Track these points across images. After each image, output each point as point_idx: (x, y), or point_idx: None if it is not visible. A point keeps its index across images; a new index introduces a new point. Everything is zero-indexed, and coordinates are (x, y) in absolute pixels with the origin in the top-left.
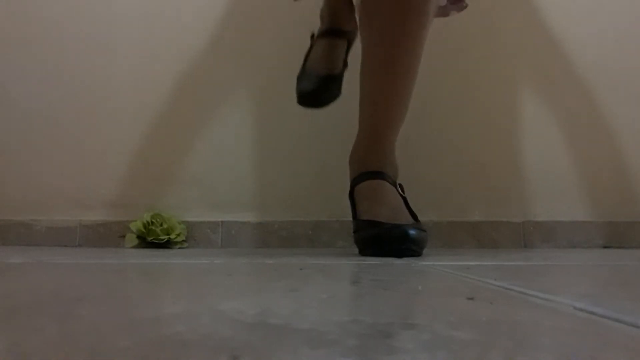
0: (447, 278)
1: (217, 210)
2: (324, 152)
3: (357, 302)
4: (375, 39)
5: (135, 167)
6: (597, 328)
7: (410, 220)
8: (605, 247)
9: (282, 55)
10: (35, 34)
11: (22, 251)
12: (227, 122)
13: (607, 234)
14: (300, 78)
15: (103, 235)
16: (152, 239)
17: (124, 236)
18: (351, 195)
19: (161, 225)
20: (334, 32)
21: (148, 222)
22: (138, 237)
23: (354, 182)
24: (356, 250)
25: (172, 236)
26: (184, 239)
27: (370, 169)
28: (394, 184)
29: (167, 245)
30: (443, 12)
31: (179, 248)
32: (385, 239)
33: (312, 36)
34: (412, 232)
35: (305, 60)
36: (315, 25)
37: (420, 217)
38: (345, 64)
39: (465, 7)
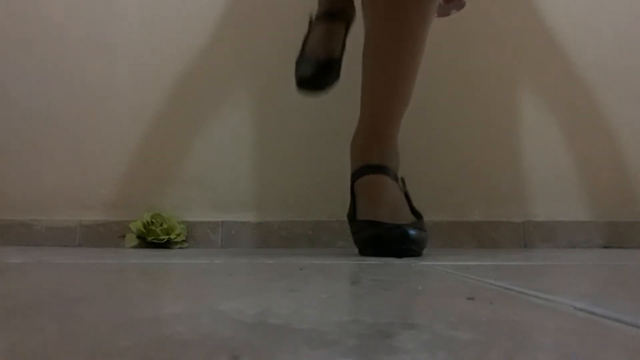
0: (447, 278)
1: (217, 210)
2: (324, 152)
3: (357, 302)
4: (379, 23)
5: (135, 167)
6: (597, 328)
7: (411, 218)
8: (605, 247)
9: (282, 55)
10: (35, 34)
11: (22, 251)
12: (227, 122)
13: (607, 234)
14: (299, 63)
15: (103, 235)
16: (152, 239)
17: (124, 236)
18: (352, 188)
19: (161, 225)
20: (332, 15)
21: (148, 222)
22: (138, 237)
23: (355, 176)
24: (356, 250)
25: (172, 236)
26: (184, 239)
27: (371, 162)
28: (395, 178)
29: (167, 245)
30: (444, 11)
31: (179, 248)
32: (385, 239)
33: (310, 21)
34: (412, 232)
35: (304, 44)
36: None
37: None
38: (344, 47)
39: (464, 5)
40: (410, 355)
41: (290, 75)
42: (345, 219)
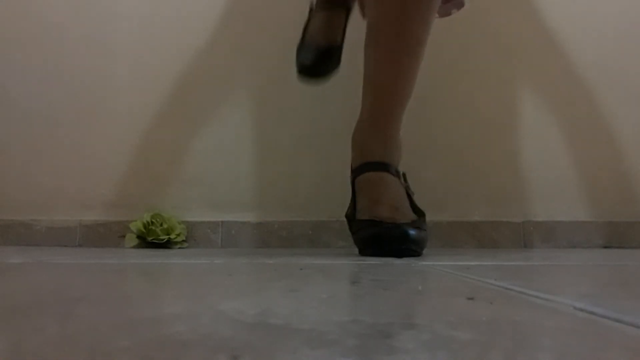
0: (447, 278)
1: (217, 210)
2: (324, 152)
3: (357, 302)
4: (380, 17)
5: (135, 167)
6: (597, 328)
7: (411, 217)
8: (605, 247)
9: (282, 55)
10: (36, 34)
11: (22, 251)
12: (227, 122)
13: (607, 234)
14: (299, 50)
15: (103, 235)
16: (152, 239)
17: (124, 236)
18: (353, 184)
19: (161, 225)
20: (332, 2)
21: (148, 222)
22: (138, 237)
23: (356, 173)
24: (356, 250)
25: (172, 236)
26: (184, 239)
27: (372, 158)
28: (397, 173)
29: (167, 245)
30: (445, 11)
31: (179, 248)
32: (385, 238)
33: (311, 9)
34: (412, 232)
35: (304, 31)
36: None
37: None
38: (344, 35)
39: (463, 4)
40: (410, 355)
41: (290, 75)
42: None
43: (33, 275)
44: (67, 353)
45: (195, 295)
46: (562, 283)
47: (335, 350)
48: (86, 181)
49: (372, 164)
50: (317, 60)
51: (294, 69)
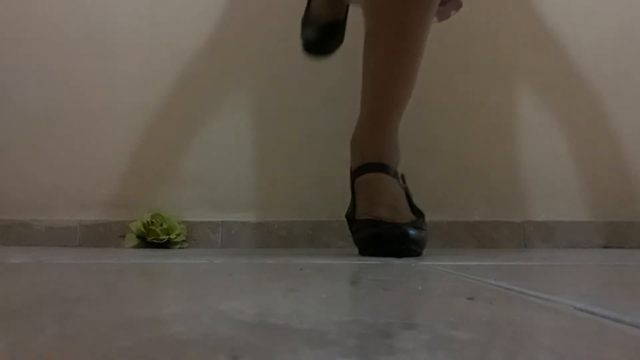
0: (447, 278)
1: (217, 210)
2: (324, 152)
3: (357, 302)
4: (379, 21)
5: (135, 167)
6: (597, 328)
7: (411, 217)
8: (605, 247)
9: (282, 56)
10: (36, 34)
11: (22, 251)
12: (227, 122)
13: (607, 234)
14: (304, 23)
15: (103, 235)
16: (152, 239)
17: (124, 236)
18: (352, 185)
19: (161, 225)
20: None
21: (148, 222)
22: (138, 237)
23: (355, 174)
24: (356, 250)
25: (172, 236)
26: (184, 239)
27: (371, 160)
28: (395, 175)
29: (167, 245)
30: (444, 14)
31: (179, 248)
32: (385, 238)
33: None
34: (412, 232)
35: (308, 6)
36: None
37: None
38: (347, 9)
39: (461, 4)
40: (410, 355)
41: (290, 75)
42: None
43: (33, 275)
44: (67, 353)
45: (195, 295)
46: (562, 283)
47: (335, 350)
48: (86, 181)
49: (371, 165)
50: (322, 36)
51: (294, 69)
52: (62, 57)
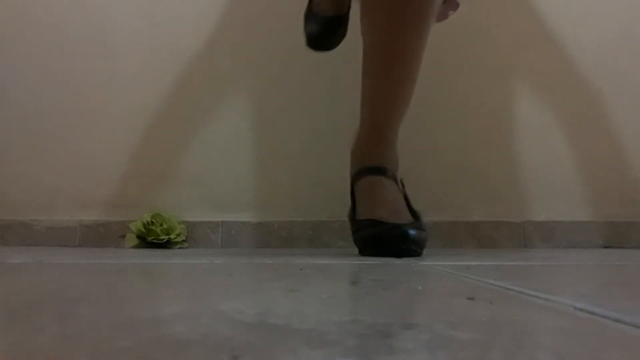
0: (447, 278)
1: (217, 210)
2: (324, 152)
3: (357, 302)
4: (377, 30)
5: (135, 167)
6: (597, 328)
7: (410, 219)
8: (605, 247)
9: (282, 56)
10: (36, 34)
11: (22, 251)
12: (227, 122)
13: (607, 234)
14: (306, 18)
15: (103, 235)
16: (152, 239)
17: (124, 236)
18: (352, 190)
19: (161, 225)
20: None
21: (148, 222)
22: (138, 237)
23: (355, 178)
24: (356, 250)
25: (172, 236)
26: (184, 239)
27: (370, 164)
28: (395, 179)
29: (167, 245)
30: (442, 15)
31: (179, 248)
32: (385, 238)
33: None
34: (412, 232)
35: (311, 1)
36: None
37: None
38: (350, 2)
39: (458, 5)
40: (410, 355)
41: (290, 76)
42: (346, 218)
43: (33, 275)
44: (67, 353)
45: (195, 295)
46: (562, 283)
47: (335, 350)
48: (86, 181)
49: (370, 168)
50: (325, 30)
51: (294, 70)
52: (62, 57)
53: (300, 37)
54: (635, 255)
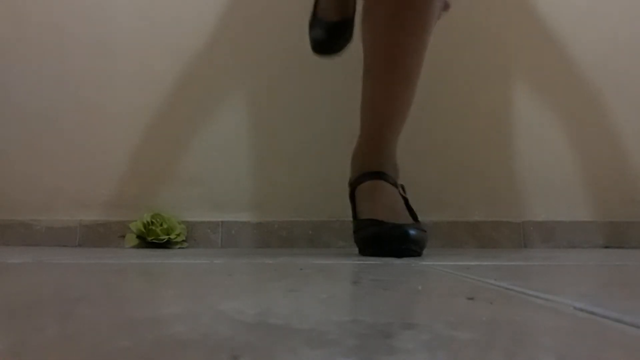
0: (447, 278)
1: (217, 210)
2: (324, 152)
3: (357, 302)
4: (377, 39)
5: (135, 167)
6: (597, 328)
7: (410, 220)
8: (605, 247)
9: (282, 56)
10: (36, 35)
11: (22, 251)
12: (227, 122)
13: (607, 234)
14: (311, 25)
15: (103, 235)
16: (152, 239)
17: (124, 236)
18: (352, 196)
19: (161, 225)
20: None
21: (148, 222)
22: (138, 237)
23: (355, 183)
24: (356, 250)
25: (172, 236)
26: (184, 239)
27: (371, 169)
28: (395, 185)
29: (167, 245)
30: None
31: (179, 248)
32: (386, 238)
33: None
34: (412, 232)
35: (315, 6)
36: None
37: (420, 217)
38: (355, 6)
39: (449, 6)
40: (410, 355)
41: (290, 76)
42: (345, 218)
43: (33, 275)
44: (67, 353)
45: (195, 295)
46: (562, 283)
47: (335, 350)
48: (86, 181)
49: (370, 173)
50: (330, 35)
51: (294, 70)
52: (62, 57)
53: (301, 37)
54: (635, 255)
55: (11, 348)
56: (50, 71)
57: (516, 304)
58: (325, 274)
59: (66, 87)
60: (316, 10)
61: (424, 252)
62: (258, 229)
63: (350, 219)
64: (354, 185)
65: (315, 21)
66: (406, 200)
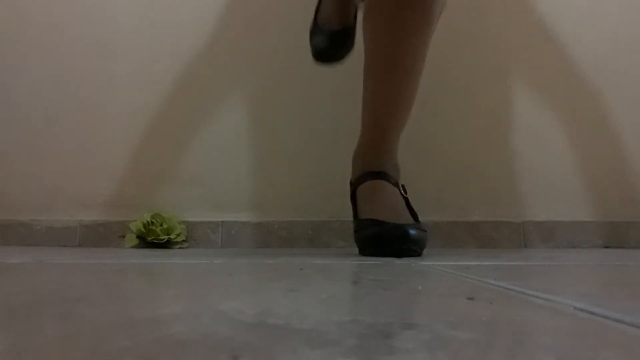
0: (447, 278)
1: (217, 210)
2: (324, 152)
3: (357, 302)
4: (377, 40)
5: (135, 167)
6: (597, 328)
7: (411, 220)
8: (605, 247)
9: (281, 56)
10: (36, 34)
11: (22, 251)
12: (227, 122)
13: (607, 234)
14: (313, 33)
15: (103, 235)
16: (152, 239)
17: (124, 236)
18: (353, 196)
19: (161, 225)
20: None
21: (148, 222)
22: (138, 237)
23: (356, 183)
24: (356, 250)
25: (172, 236)
26: (184, 239)
27: (372, 169)
28: (396, 185)
29: (167, 245)
30: None
31: (179, 248)
32: (386, 238)
33: None
34: (412, 232)
35: (316, 15)
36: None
37: (420, 217)
38: (356, 14)
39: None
40: (410, 355)
41: (290, 76)
42: (345, 218)
43: (33, 275)
44: (67, 353)
45: (195, 295)
46: (562, 283)
47: (335, 350)
48: (86, 181)
49: (371, 173)
50: (332, 44)
51: (293, 69)
52: (62, 57)
53: (301, 38)
54: (635, 255)
55: (11, 348)
56: (50, 71)
57: (516, 304)
58: (325, 274)
59: (66, 87)
60: (317, 18)
61: (424, 252)
62: (258, 229)
63: (351, 219)
64: (355, 185)
65: (316, 29)
66: (407, 200)
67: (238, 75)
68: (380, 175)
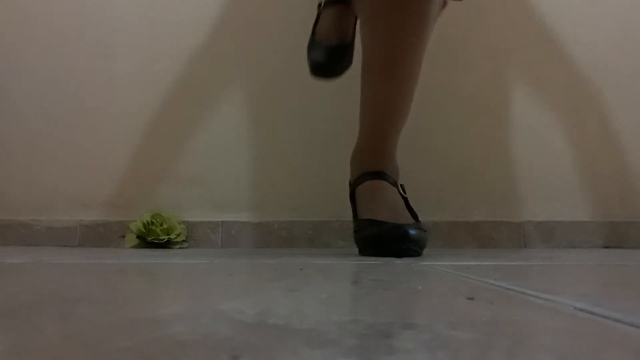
0: (447, 278)
1: (217, 210)
2: (324, 152)
3: (357, 302)
4: (375, 40)
5: (135, 167)
6: (597, 328)
7: (411, 220)
8: (605, 247)
9: (281, 55)
10: (36, 35)
11: (22, 251)
12: (227, 122)
13: (607, 234)
14: (310, 48)
15: (103, 235)
16: (152, 239)
17: (124, 236)
18: (352, 196)
19: (161, 225)
20: (340, 0)
21: (148, 222)
22: (138, 237)
23: (355, 183)
24: (356, 250)
25: (172, 236)
26: (184, 239)
27: (371, 169)
28: (395, 184)
29: (167, 245)
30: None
31: (179, 248)
32: (386, 238)
33: (319, 5)
34: (412, 232)
35: (314, 29)
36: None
37: (420, 217)
38: (354, 30)
39: (446, 3)
40: (410, 355)
41: (290, 76)
42: (345, 218)
43: (33, 275)
44: (67, 353)
45: (195, 295)
46: (562, 283)
47: (335, 350)
48: (86, 181)
49: (370, 173)
50: (330, 59)
51: (293, 69)
52: (61, 57)
53: (301, 38)
54: (635, 255)
55: (11, 348)
56: (50, 71)
57: (516, 304)
58: (325, 274)
59: (66, 87)
60: (315, 33)
61: (424, 252)
62: (258, 229)
63: (350, 219)
64: (354, 186)
65: (314, 44)
66: (406, 200)
67: (238, 75)
68: (380, 175)
